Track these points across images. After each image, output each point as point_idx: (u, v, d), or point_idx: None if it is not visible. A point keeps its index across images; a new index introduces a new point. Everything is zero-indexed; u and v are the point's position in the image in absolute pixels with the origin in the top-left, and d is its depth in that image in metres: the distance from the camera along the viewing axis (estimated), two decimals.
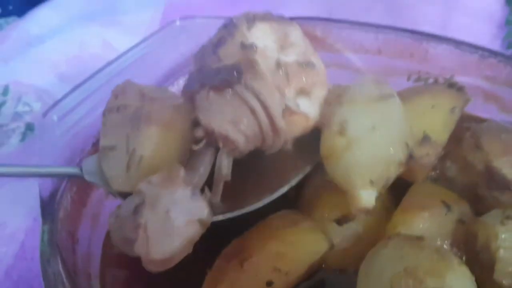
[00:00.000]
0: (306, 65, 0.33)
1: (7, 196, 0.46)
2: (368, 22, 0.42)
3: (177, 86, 0.44)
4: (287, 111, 0.32)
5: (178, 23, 0.45)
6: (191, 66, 0.36)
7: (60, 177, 0.35)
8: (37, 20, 0.68)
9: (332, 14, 0.62)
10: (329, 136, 0.32)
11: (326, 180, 0.34)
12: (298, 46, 0.34)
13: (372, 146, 0.31)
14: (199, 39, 0.44)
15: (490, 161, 0.36)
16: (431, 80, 0.42)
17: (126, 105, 0.33)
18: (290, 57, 0.33)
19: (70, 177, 0.35)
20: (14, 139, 0.57)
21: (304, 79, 0.33)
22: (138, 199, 0.28)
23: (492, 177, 0.36)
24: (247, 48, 0.31)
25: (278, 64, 0.32)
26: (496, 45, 0.62)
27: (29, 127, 0.58)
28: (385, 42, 0.42)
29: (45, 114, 0.39)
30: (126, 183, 0.31)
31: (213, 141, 0.31)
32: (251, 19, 0.34)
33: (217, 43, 0.33)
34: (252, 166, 0.34)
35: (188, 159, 0.32)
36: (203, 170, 0.32)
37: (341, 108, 0.32)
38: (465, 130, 0.39)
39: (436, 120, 0.38)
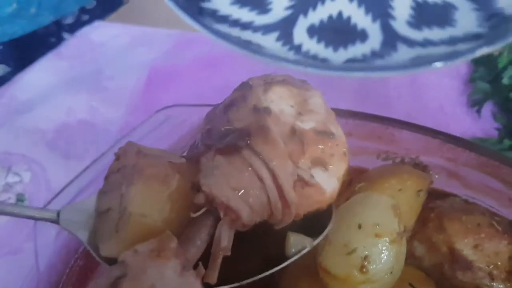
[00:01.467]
0: (324, 133, 0.31)
1: None
2: (339, 108, 0.46)
3: None
4: (300, 182, 0.29)
5: (161, 113, 0.48)
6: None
7: (35, 219, 0.34)
8: (25, 85, 0.70)
9: None
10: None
11: (307, 267, 0.37)
12: (317, 113, 0.32)
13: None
14: (183, 127, 0.47)
15: (452, 243, 0.40)
16: (398, 159, 0.46)
17: (125, 165, 0.31)
18: (307, 124, 0.31)
19: (45, 220, 0.34)
20: None
21: (321, 149, 0.31)
22: (119, 271, 0.25)
23: (454, 258, 0.40)
24: (260, 112, 0.30)
25: (293, 131, 0.30)
26: (462, 101, 0.67)
27: (20, 198, 0.60)
28: (355, 126, 0.46)
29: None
30: (114, 247, 0.29)
31: (214, 210, 0.29)
32: (269, 81, 0.33)
33: (229, 104, 0.31)
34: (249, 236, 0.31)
35: (185, 227, 0.30)
36: (199, 242, 0.29)
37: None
38: (430, 211, 0.42)
39: (404, 203, 0.41)
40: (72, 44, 0.74)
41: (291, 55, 0.33)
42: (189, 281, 0.26)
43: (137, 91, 0.68)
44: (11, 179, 0.61)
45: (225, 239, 0.28)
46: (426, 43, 0.35)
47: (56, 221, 0.33)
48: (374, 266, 0.34)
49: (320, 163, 0.30)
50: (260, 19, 0.40)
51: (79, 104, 0.67)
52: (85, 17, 0.84)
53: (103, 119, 0.67)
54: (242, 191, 0.28)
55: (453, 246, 0.40)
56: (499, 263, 0.39)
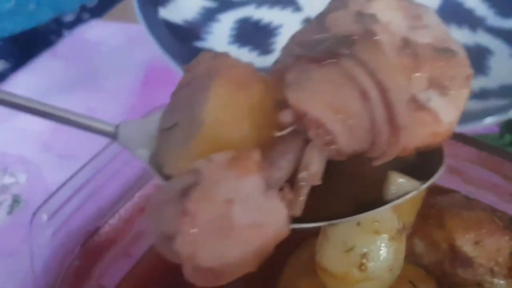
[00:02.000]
0: (444, 51, 0.23)
1: None
2: None
3: None
4: (413, 103, 0.22)
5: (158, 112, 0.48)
6: None
7: (90, 131, 0.30)
8: (20, 85, 0.70)
9: None
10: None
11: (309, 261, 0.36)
12: (434, 29, 0.24)
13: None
14: None
15: (453, 240, 0.40)
16: None
17: (197, 76, 0.25)
18: (422, 39, 0.23)
19: (102, 134, 0.30)
20: (2, 212, 0.58)
21: (440, 68, 0.23)
22: (190, 179, 0.20)
23: (455, 255, 0.39)
24: (364, 17, 0.22)
25: (406, 42, 0.22)
26: None
27: (16, 199, 0.59)
28: None
29: (35, 213, 0.40)
30: (182, 162, 0.22)
31: (303, 129, 0.23)
32: None
33: (324, 12, 0.24)
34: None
35: (265, 150, 0.23)
36: (285, 164, 0.22)
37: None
38: (430, 207, 0.42)
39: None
40: (68, 43, 0.73)
41: None
42: (272, 203, 0.21)
43: (133, 90, 0.67)
44: (7, 180, 0.61)
45: (315, 165, 0.22)
46: None
47: (114, 136, 0.29)
48: (373, 263, 0.34)
49: (437, 85, 0.23)
50: (261, 61, 0.38)
51: (75, 104, 0.66)
52: (86, 15, 0.83)
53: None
54: (340, 108, 0.22)
55: (453, 242, 0.39)
56: (500, 260, 0.39)
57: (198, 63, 0.26)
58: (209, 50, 0.31)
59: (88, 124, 0.30)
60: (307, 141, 0.23)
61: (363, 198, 0.26)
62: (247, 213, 0.20)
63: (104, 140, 0.64)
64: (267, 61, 0.39)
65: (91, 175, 0.44)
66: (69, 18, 0.82)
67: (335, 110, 0.22)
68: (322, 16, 0.24)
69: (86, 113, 0.67)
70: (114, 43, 0.75)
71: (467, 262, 0.39)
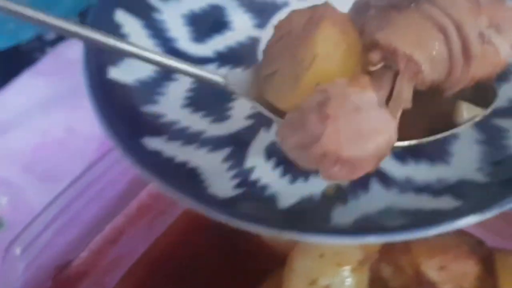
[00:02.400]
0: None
1: None
2: None
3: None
4: (481, 37, 0.27)
5: None
6: None
7: (201, 80, 0.34)
8: (2, 104, 0.70)
9: None
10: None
11: None
12: None
13: None
14: None
15: (418, 265, 0.40)
16: None
17: (291, 30, 0.30)
18: None
19: (213, 82, 0.33)
20: None
21: (495, 11, 0.28)
22: (322, 97, 0.24)
23: (420, 280, 0.40)
24: None
25: None
26: None
27: None
28: None
29: (7, 248, 0.40)
30: (295, 96, 0.27)
31: (393, 63, 0.27)
32: None
33: None
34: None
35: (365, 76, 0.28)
36: (383, 91, 0.27)
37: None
38: None
39: None
40: (48, 62, 0.73)
41: (229, 188, 0.32)
42: (385, 115, 0.26)
43: None
44: None
45: (406, 91, 0.27)
46: (408, 184, 0.32)
47: (225, 85, 0.33)
48: None
49: (494, 25, 0.28)
50: (213, 129, 0.36)
51: (56, 124, 0.66)
52: None
53: (80, 138, 0.67)
54: (424, 44, 0.27)
55: (418, 268, 0.39)
56: (465, 285, 0.39)
57: (288, 20, 0.30)
58: (298, 10, 0.32)
59: (200, 75, 0.33)
60: (396, 74, 0.27)
61: (437, 125, 0.31)
62: (371, 119, 0.25)
63: (87, 161, 0.64)
64: (219, 130, 0.37)
65: (74, 196, 0.44)
66: (52, 35, 0.81)
67: (420, 45, 0.27)
68: None
69: (66, 132, 0.67)
70: None
71: (432, 287, 0.39)
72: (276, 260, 0.40)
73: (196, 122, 0.38)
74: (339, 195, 0.33)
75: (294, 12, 0.31)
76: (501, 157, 0.33)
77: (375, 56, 0.28)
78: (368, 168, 0.26)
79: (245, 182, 0.34)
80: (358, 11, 0.30)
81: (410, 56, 0.27)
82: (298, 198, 0.32)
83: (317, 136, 0.24)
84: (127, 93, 0.37)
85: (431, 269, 0.39)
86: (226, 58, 0.43)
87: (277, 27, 0.32)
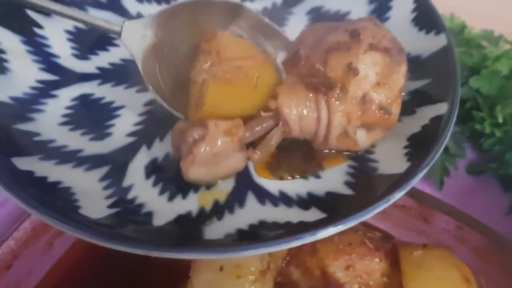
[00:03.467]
0: (385, 111, 0.36)
1: None
2: None
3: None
4: (344, 134, 0.37)
5: None
6: None
7: (96, 28, 0.35)
8: None
9: None
10: None
11: None
12: (391, 90, 0.36)
13: None
14: None
15: (325, 266, 0.40)
16: None
17: (210, 52, 0.37)
18: (377, 97, 0.36)
19: (110, 32, 0.36)
20: None
21: (375, 120, 0.37)
22: (201, 132, 0.34)
23: (327, 281, 0.40)
24: (351, 71, 0.35)
25: (364, 98, 0.36)
26: None
27: None
28: None
29: None
30: (193, 116, 0.36)
31: (277, 118, 0.36)
32: (375, 44, 0.36)
33: (335, 46, 0.36)
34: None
35: (253, 117, 0.37)
36: (258, 131, 0.37)
37: None
38: None
39: None
40: None
41: (103, 207, 0.31)
42: (239, 156, 0.35)
43: None
44: None
45: (275, 139, 0.37)
46: (281, 198, 0.35)
47: (119, 35, 0.36)
48: None
49: (367, 126, 0.37)
50: (92, 147, 0.36)
51: None
52: None
53: None
54: (303, 118, 0.36)
55: (325, 269, 0.40)
56: (371, 283, 0.40)
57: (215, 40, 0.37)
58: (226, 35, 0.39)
59: (96, 23, 0.37)
60: (276, 124, 0.36)
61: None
62: (223, 159, 0.34)
63: None
64: (98, 148, 0.36)
65: None
66: None
67: (299, 117, 0.36)
68: (328, 49, 0.37)
69: None
70: None
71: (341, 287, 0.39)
72: (179, 273, 0.38)
73: (74, 140, 0.36)
74: (216, 210, 0.34)
75: (220, 34, 0.38)
76: (365, 174, 0.37)
77: (271, 105, 0.36)
78: (207, 183, 0.36)
79: (122, 200, 0.33)
80: (292, 58, 0.39)
81: (287, 121, 0.36)
82: (175, 214, 0.33)
83: (182, 157, 0.34)
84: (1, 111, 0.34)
85: (337, 270, 0.39)
86: (110, 74, 0.42)
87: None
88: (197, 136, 0.33)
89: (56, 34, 0.42)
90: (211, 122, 0.34)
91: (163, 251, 0.27)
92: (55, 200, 0.30)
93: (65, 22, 0.43)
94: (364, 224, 0.42)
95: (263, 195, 0.35)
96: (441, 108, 0.37)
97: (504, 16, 0.44)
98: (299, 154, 0.38)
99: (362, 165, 0.37)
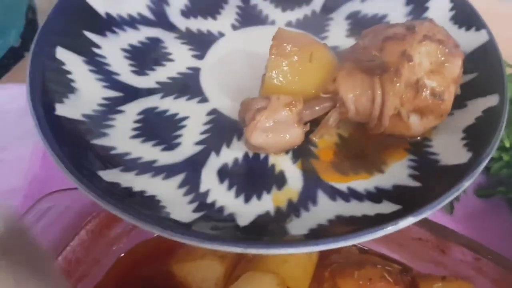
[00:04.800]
0: (438, 96, 0.38)
1: None
2: None
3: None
4: (398, 117, 0.39)
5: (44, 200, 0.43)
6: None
7: None
8: None
9: None
10: None
11: None
12: (445, 78, 0.38)
13: None
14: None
15: None
16: None
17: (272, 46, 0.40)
18: (430, 83, 0.38)
19: None
20: None
21: (427, 105, 0.38)
22: (264, 103, 0.37)
23: None
24: (404, 57, 0.37)
25: (417, 83, 0.38)
26: None
27: None
28: None
29: None
30: (261, 92, 0.40)
31: (336, 99, 0.39)
32: (430, 35, 0.38)
33: (391, 36, 0.39)
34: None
35: (313, 98, 0.40)
36: (317, 110, 0.40)
37: None
38: (324, 269, 0.41)
39: (294, 270, 0.40)
40: None
41: (189, 212, 0.33)
42: (297, 130, 0.38)
43: (35, 161, 0.61)
44: None
45: (332, 119, 0.40)
46: (351, 194, 0.36)
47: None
48: None
49: (420, 112, 0.39)
50: (165, 157, 0.37)
51: None
52: None
53: (1, 194, 0.59)
54: (358, 99, 0.39)
55: None
56: None
57: (277, 39, 0.40)
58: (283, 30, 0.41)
59: None
60: (334, 106, 0.40)
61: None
62: (284, 130, 0.38)
63: None
64: (170, 157, 0.38)
65: None
66: None
67: (355, 99, 0.39)
68: (386, 38, 0.39)
69: None
70: (11, 107, 0.69)
71: None
72: None
73: (147, 151, 0.38)
74: (292, 208, 0.35)
75: (280, 31, 0.41)
76: (428, 166, 0.38)
77: (330, 87, 0.40)
78: (268, 152, 0.39)
79: (203, 205, 0.34)
80: (353, 49, 0.42)
81: (344, 102, 0.39)
82: (255, 215, 0.34)
83: (246, 123, 0.37)
84: (77, 128, 0.36)
85: None
86: (170, 88, 0.43)
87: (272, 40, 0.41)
88: (260, 106, 0.37)
89: (113, 52, 0.45)
90: (274, 96, 0.37)
91: (260, 248, 0.29)
92: (147, 208, 0.32)
93: (120, 41, 0.45)
94: (382, 257, 0.44)
95: (333, 192, 0.36)
96: (492, 100, 0.39)
97: (504, 36, 0.45)
98: (361, 152, 0.40)
99: (423, 159, 0.38)
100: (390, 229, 0.30)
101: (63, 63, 0.39)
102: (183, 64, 0.46)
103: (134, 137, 0.39)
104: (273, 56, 0.39)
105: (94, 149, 0.35)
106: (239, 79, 0.44)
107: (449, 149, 0.38)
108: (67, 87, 0.38)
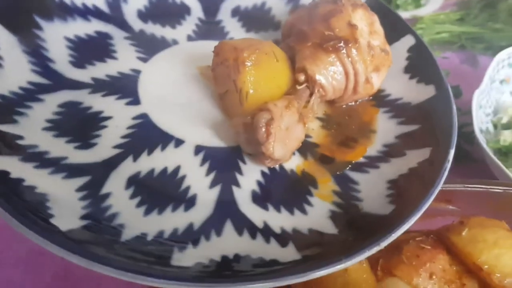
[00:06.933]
0: (384, 51, 0.44)
1: None
2: None
3: None
4: (366, 80, 0.42)
5: None
6: None
7: None
8: None
9: None
10: None
11: None
12: (379, 35, 0.44)
13: None
14: None
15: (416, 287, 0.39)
16: None
17: (225, 59, 0.39)
18: (375, 42, 0.43)
19: None
20: None
21: (380, 61, 0.43)
22: (268, 115, 0.36)
23: None
24: (353, 27, 0.41)
25: (370, 46, 0.42)
26: None
27: None
28: None
29: None
30: (242, 112, 0.38)
31: (310, 86, 0.41)
32: (355, 4, 0.44)
33: (329, 14, 0.42)
34: None
35: (288, 93, 0.41)
36: (301, 102, 0.40)
37: None
38: (374, 269, 0.40)
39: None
40: None
41: (74, 218, 0.30)
42: (301, 127, 0.38)
43: None
44: None
45: (315, 104, 0.42)
46: (264, 230, 0.33)
47: None
48: None
49: (376, 69, 0.43)
50: (76, 156, 0.34)
51: None
52: None
53: None
54: (333, 78, 0.41)
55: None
56: (448, 277, 0.40)
57: (222, 50, 0.40)
58: (226, 42, 0.41)
59: None
60: (312, 92, 0.41)
61: None
62: (294, 132, 0.37)
63: None
64: (82, 157, 0.34)
65: None
66: None
67: (330, 79, 0.41)
68: (325, 16, 0.43)
69: None
70: None
71: None
72: None
73: (58, 147, 0.34)
74: (189, 234, 0.32)
75: (224, 44, 0.41)
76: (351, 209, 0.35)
77: (301, 77, 0.41)
78: (285, 160, 0.39)
79: (95, 211, 0.31)
80: (299, 36, 0.43)
81: (322, 85, 0.41)
82: (146, 231, 0.31)
83: (262, 142, 0.36)
84: None
85: (425, 283, 0.40)
86: (103, 85, 0.41)
87: (215, 53, 0.41)
88: (265, 120, 0.36)
89: (55, 38, 0.41)
90: (269, 104, 0.37)
91: (126, 275, 0.25)
92: (29, 206, 0.28)
93: (67, 29, 0.43)
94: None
95: (241, 226, 0.33)
96: (427, 153, 0.38)
97: None
98: (344, 123, 0.44)
99: (348, 203, 0.36)
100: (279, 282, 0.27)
101: None
102: (127, 65, 0.43)
103: (47, 129, 0.36)
104: (243, 70, 0.38)
105: None
106: (178, 90, 0.43)
107: (374, 197, 0.36)
108: None
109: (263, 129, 0.36)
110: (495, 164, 0.54)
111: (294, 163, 0.39)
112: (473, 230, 0.43)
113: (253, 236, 0.33)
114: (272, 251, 0.31)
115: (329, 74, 0.41)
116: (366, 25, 0.43)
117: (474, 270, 0.41)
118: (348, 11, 0.43)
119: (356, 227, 0.33)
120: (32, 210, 0.28)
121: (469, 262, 0.41)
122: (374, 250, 0.29)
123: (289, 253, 0.31)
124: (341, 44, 0.41)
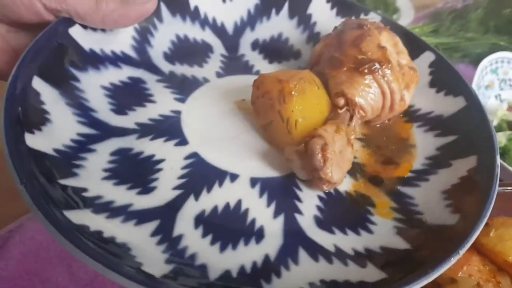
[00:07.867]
0: (412, 68, 0.46)
1: None
2: None
3: None
4: (402, 98, 0.45)
5: None
6: None
7: None
8: None
9: None
10: None
11: None
12: (405, 53, 0.46)
13: None
14: None
15: None
16: None
17: (267, 91, 0.41)
18: (403, 61, 0.46)
19: None
20: None
21: (410, 79, 0.45)
22: (321, 141, 0.37)
23: None
24: (383, 49, 0.43)
25: (400, 65, 0.45)
26: None
27: None
28: None
29: None
30: (290, 142, 0.40)
31: (352, 109, 0.43)
32: (379, 27, 0.46)
33: (358, 39, 0.44)
34: None
35: (330, 118, 0.42)
36: (345, 127, 0.41)
37: None
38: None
39: None
40: None
41: (161, 263, 0.30)
42: (350, 149, 0.40)
43: None
44: None
45: (357, 126, 0.44)
46: (337, 253, 0.34)
47: None
48: None
49: (406, 86, 0.45)
50: (140, 202, 0.35)
51: None
52: None
53: None
54: (371, 100, 0.43)
55: None
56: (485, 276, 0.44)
57: (262, 83, 0.42)
58: (267, 74, 0.42)
59: None
60: (352, 114, 0.43)
61: None
62: (345, 154, 0.39)
63: None
64: (146, 202, 0.34)
65: None
66: None
67: (369, 101, 0.43)
68: (355, 41, 0.45)
69: None
70: None
71: None
72: None
73: (121, 195, 0.34)
74: (268, 266, 0.32)
75: (264, 77, 0.42)
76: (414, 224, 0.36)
77: (340, 101, 0.43)
78: (340, 183, 0.39)
79: (175, 253, 0.31)
80: (332, 63, 0.45)
81: (361, 106, 0.43)
82: (228, 268, 0.31)
83: (320, 168, 0.37)
84: (46, 163, 0.32)
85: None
86: (148, 129, 0.42)
87: (255, 87, 0.42)
88: (319, 145, 0.37)
89: (93, 88, 0.42)
90: (320, 130, 0.38)
91: None
92: (116, 255, 0.28)
93: (101, 78, 0.44)
94: None
95: (315, 251, 0.34)
96: (473, 161, 0.39)
97: None
98: (382, 142, 0.45)
99: (409, 218, 0.37)
100: None
101: (38, 93, 0.36)
102: (166, 107, 0.44)
103: (106, 178, 0.35)
104: (290, 100, 0.39)
105: (64, 188, 0.32)
106: (221, 125, 0.43)
107: (434, 209, 0.37)
108: (40, 118, 0.35)
109: (320, 155, 0.36)
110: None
111: (346, 185, 0.40)
112: (499, 230, 0.46)
113: (329, 260, 0.33)
114: (354, 273, 0.31)
115: (367, 95, 0.43)
116: (392, 46, 0.46)
117: (506, 267, 0.44)
118: (375, 34, 0.45)
119: (429, 240, 0.34)
120: (124, 261, 0.27)
121: (500, 260, 0.44)
122: (455, 259, 0.30)
123: (373, 273, 0.31)
124: (376, 65, 0.43)
